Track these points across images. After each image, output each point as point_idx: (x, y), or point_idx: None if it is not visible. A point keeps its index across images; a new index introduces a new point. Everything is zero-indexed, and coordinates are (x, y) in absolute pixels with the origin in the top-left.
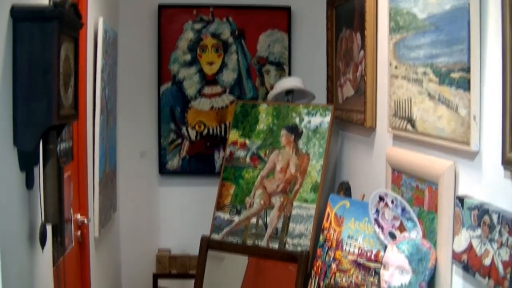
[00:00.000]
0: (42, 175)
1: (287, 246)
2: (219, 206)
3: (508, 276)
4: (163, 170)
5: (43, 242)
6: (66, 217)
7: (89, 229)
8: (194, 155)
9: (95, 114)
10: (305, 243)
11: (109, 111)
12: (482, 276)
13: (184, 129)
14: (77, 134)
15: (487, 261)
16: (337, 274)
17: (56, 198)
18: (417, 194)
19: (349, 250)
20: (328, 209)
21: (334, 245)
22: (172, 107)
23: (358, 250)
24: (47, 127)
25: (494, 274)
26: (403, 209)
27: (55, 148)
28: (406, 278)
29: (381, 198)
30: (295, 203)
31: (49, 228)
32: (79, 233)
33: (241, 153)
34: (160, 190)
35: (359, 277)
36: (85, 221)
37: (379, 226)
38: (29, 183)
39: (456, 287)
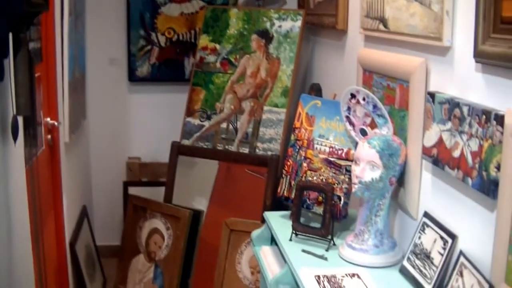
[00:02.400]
0: (13, 66)
1: (257, 150)
2: (189, 112)
3: (477, 165)
4: (132, 77)
5: (15, 135)
6: (37, 118)
7: (59, 133)
8: (164, 62)
9: (63, 14)
10: (275, 147)
11: (78, 14)
12: (451, 168)
13: (153, 35)
14: (46, 34)
15: (456, 153)
16: (308, 172)
17: (28, 88)
18: (388, 93)
19: (320, 149)
20: (299, 109)
21: (305, 144)
22: (142, 13)
23: (329, 149)
24: (18, 14)
25: (463, 165)
26: (375, 106)
27: (26, 37)
28: (376, 173)
29: (352, 96)
30: (265, 108)
31: (20, 121)
32: (49, 137)
33: (211, 58)
34: (129, 98)
35: (330, 175)
36: (56, 124)
37: (351, 123)
38: None
39: (425, 181)
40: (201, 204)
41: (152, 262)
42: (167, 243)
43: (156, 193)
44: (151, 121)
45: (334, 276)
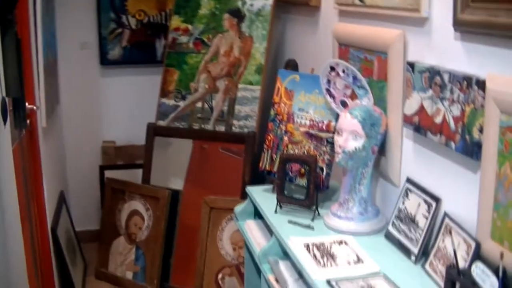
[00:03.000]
0: (1, 47)
1: (233, 128)
2: (164, 93)
3: (460, 130)
4: (104, 61)
5: (4, 117)
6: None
7: (37, 117)
8: (136, 44)
9: None
10: (251, 124)
11: None
12: (433, 134)
13: (124, 18)
14: (21, 17)
15: (438, 119)
16: (289, 146)
17: (16, 69)
18: (365, 65)
19: (300, 122)
20: (277, 84)
21: (285, 118)
22: None
23: (310, 122)
24: None
25: (446, 130)
26: (354, 78)
27: (14, 18)
28: (359, 142)
29: (332, 68)
30: (240, 86)
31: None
32: (28, 121)
33: (184, 38)
34: (102, 81)
35: (311, 148)
36: (34, 108)
37: (331, 95)
38: None
39: (407, 148)
40: (178, 184)
41: (133, 244)
42: (147, 224)
43: (133, 176)
44: (125, 104)
45: (323, 244)
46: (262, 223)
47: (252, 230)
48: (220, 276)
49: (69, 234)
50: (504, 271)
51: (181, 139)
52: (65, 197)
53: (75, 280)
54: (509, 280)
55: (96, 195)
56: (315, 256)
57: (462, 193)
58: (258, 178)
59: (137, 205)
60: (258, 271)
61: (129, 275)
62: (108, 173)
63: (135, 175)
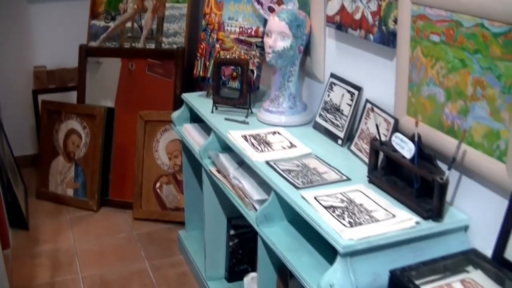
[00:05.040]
0: None
1: (163, 45)
2: (94, 15)
3: (377, 23)
4: None
5: None
6: None
7: None
8: None
9: None
10: (180, 40)
11: None
12: (354, 29)
13: None
14: None
15: (357, 16)
16: (221, 52)
17: None
18: None
19: (230, 30)
20: None
21: (216, 27)
22: None
23: (239, 29)
24: None
25: (365, 24)
26: None
27: None
28: (287, 42)
29: None
30: (167, 4)
31: None
32: None
33: None
34: (29, 8)
35: (242, 52)
36: None
37: (259, 3)
38: None
39: (329, 46)
40: (111, 104)
41: (71, 162)
42: (85, 142)
43: (66, 99)
44: (54, 28)
45: (258, 135)
46: (199, 126)
47: (191, 132)
48: (158, 185)
49: (9, 157)
50: (419, 137)
51: (111, 59)
52: (1, 122)
53: (20, 201)
54: (423, 146)
55: (31, 120)
56: (253, 144)
57: (380, 80)
58: (192, 88)
59: (74, 124)
60: (196, 173)
61: (70, 192)
62: (42, 97)
63: (67, 98)
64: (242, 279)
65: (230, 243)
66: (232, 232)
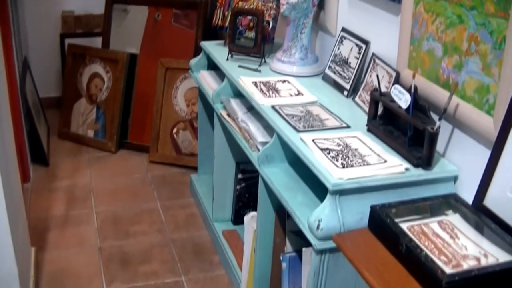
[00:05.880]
0: None
1: None
2: None
3: None
4: None
5: None
6: None
7: None
8: None
9: None
10: None
11: None
12: None
13: None
14: None
15: None
16: (240, 3)
17: None
18: None
19: None
20: None
21: None
22: None
23: None
24: None
25: None
26: None
27: None
28: None
29: None
30: None
31: None
32: None
33: None
34: None
35: (259, 3)
36: None
37: None
38: None
39: (342, 0)
40: (134, 50)
41: (93, 104)
42: (107, 85)
43: (91, 44)
44: None
45: (268, 82)
46: (214, 73)
47: (206, 78)
48: (174, 130)
49: (34, 98)
50: (416, 89)
51: (137, 7)
52: (29, 64)
53: (42, 139)
54: (418, 97)
55: (57, 63)
56: (262, 90)
57: (386, 35)
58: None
59: (98, 68)
60: (211, 120)
61: (90, 133)
62: (68, 41)
63: (93, 43)
64: None
65: (238, 187)
66: (240, 176)
